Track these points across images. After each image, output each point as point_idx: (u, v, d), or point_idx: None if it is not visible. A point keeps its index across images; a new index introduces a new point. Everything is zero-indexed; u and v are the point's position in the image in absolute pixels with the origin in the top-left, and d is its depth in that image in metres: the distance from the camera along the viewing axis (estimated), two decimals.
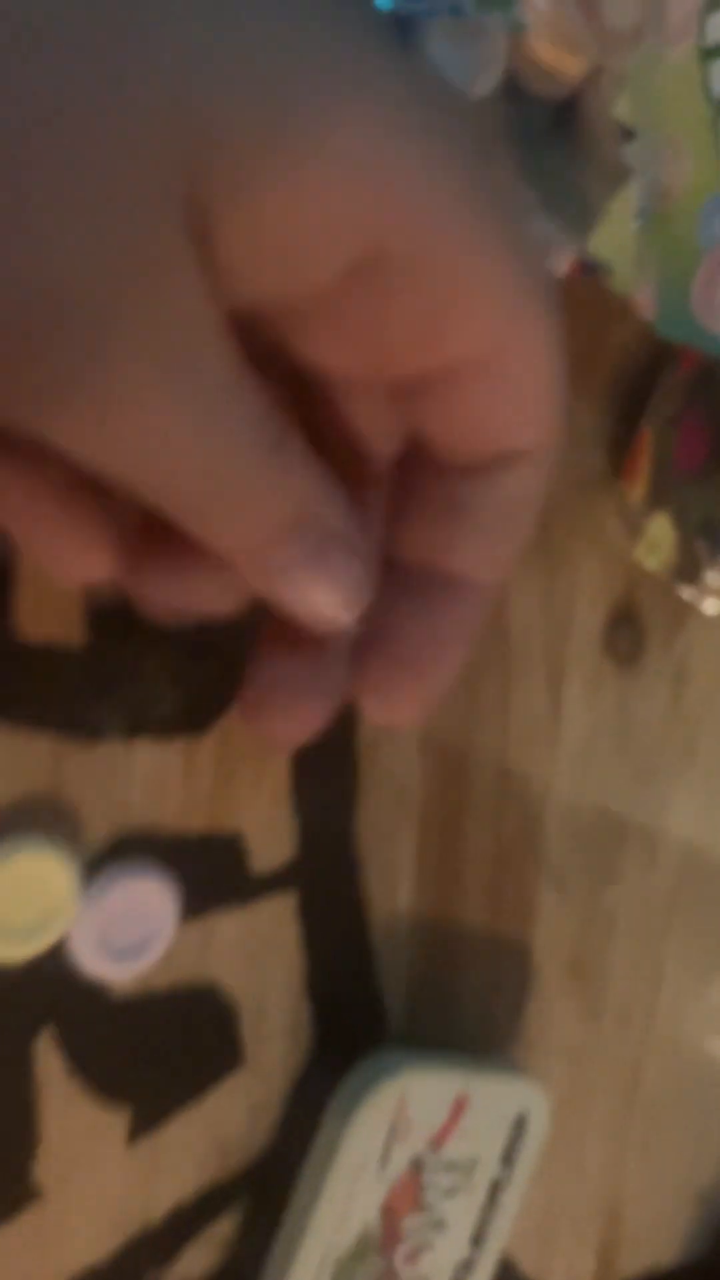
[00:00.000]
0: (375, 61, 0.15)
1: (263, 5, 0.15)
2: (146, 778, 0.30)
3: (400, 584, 0.20)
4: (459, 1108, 0.36)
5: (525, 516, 0.19)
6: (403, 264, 0.16)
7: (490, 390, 0.18)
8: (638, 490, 0.36)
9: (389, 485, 0.20)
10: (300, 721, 0.21)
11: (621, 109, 0.30)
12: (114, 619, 0.29)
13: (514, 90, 0.31)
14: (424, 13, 0.27)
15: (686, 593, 0.39)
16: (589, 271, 0.30)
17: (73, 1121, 0.31)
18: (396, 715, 0.21)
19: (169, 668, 0.30)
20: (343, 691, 0.21)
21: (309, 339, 0.17)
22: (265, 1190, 0.34)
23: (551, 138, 0.32)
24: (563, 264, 0.29)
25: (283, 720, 0.21)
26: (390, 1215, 0.35)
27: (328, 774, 0.33)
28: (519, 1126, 0.37)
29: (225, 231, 0.15)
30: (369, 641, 0.20)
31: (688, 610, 0.41)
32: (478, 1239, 0.37)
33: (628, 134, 0.30)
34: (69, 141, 0.14)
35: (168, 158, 0.15)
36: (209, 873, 0.32)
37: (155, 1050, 0.32)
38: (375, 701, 0.21)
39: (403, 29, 0.28)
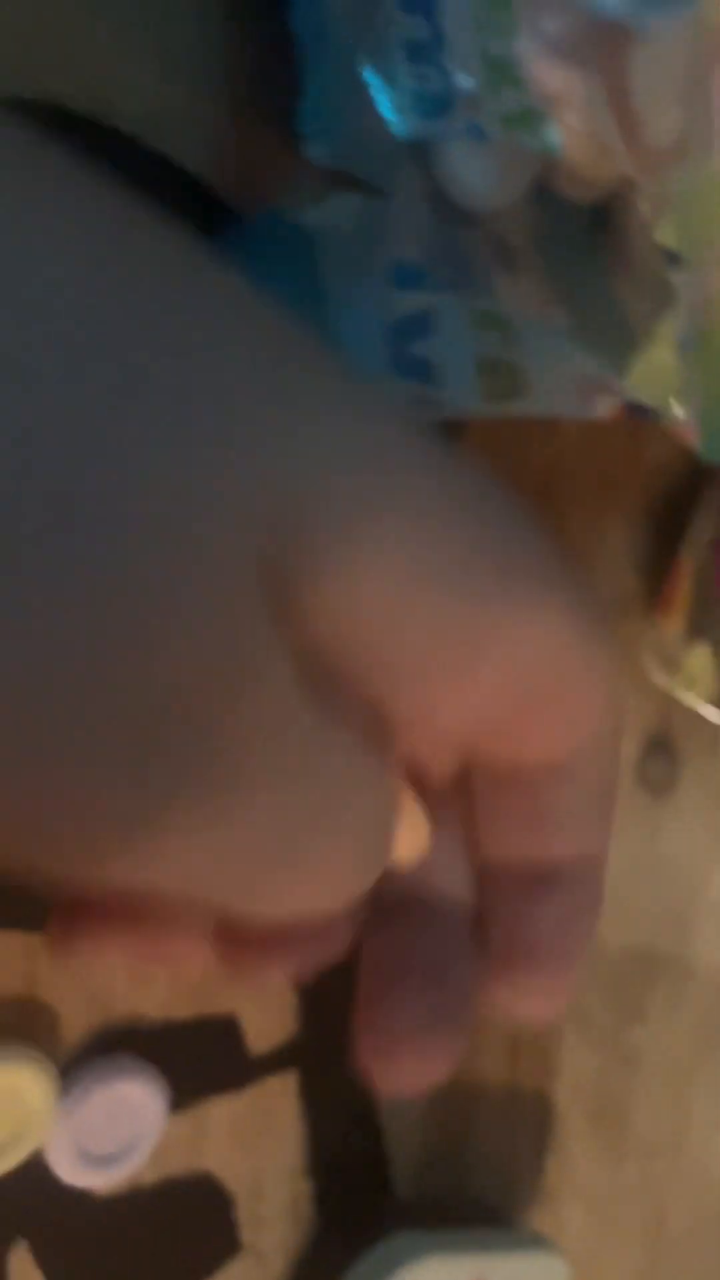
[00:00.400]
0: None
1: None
2: (129, 965, 0.27)
3: (508, 883, 0.18)
4: None
5: (607, 788, 0.18)
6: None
7: (551, 722, 0.17)
8: (675, 622, 0.33)
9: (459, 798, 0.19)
10: (439, 1059, 0.18)
11: (666, 233, 0.26)
12: None
13: (544, 193, 0.29)
14: (440, 136, 0.24)
15: None
16: (636, 415, 0.27)
17: None
18: (540, 1012, 0.18)
19: None
20: (471, 1012, 0.18)
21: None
22: None
23: (586, 248, 0.29)
24: (605, 408, 0.26)
25: (419, 1062, 0.18)
26: None
27: None
28: None
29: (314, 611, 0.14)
30: (496, 945, 0.18)
31: None
32: None
33: (673, 259, 0.27)
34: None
35: (250, 534, 0.13)
36: (201, 1060, 0.29)
37: (145, 1250, 0.29)
38: (518, 1003, 0.18)
39: (414, 156, 0.25)
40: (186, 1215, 0.30)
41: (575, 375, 0.26)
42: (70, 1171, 0.27)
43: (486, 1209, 0.36)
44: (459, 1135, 0.35)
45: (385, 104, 0.24)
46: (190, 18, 0.24)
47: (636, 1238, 0.42)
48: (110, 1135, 0.27)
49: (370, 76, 0.24)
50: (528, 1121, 0.37)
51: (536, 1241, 0.35)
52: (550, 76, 0.25)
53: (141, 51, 0.24)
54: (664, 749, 0.37)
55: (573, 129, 0.25)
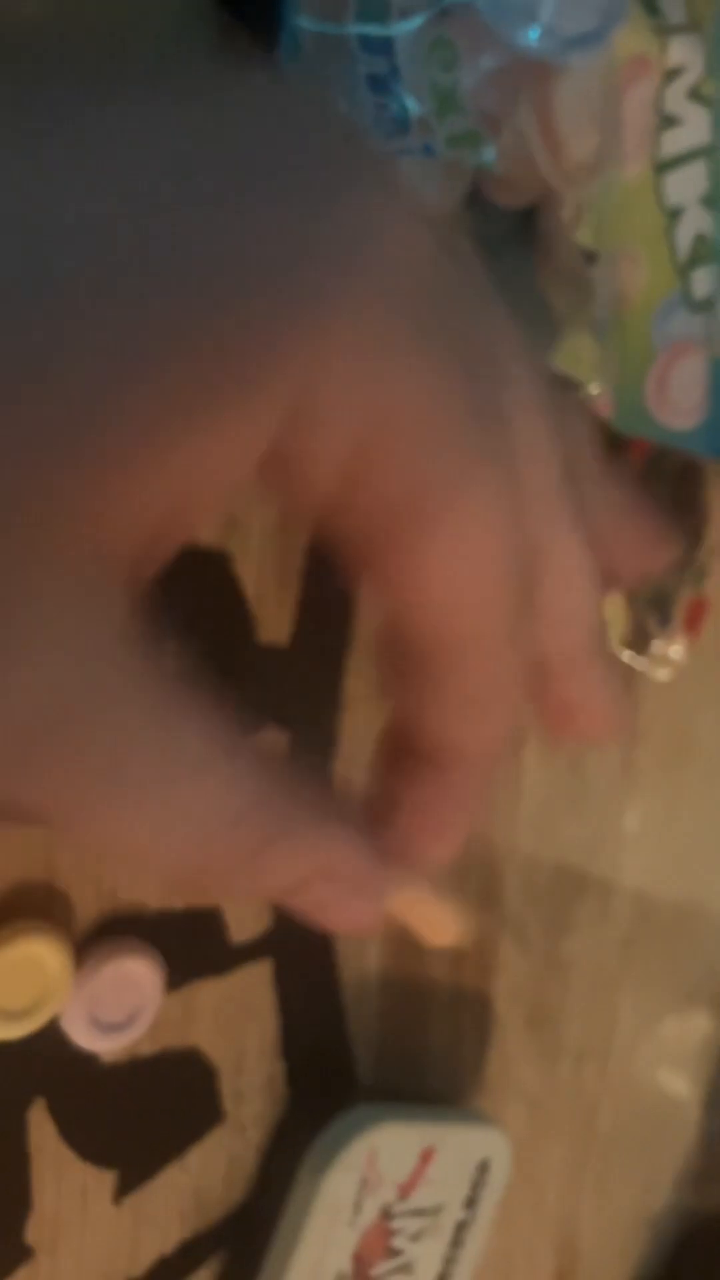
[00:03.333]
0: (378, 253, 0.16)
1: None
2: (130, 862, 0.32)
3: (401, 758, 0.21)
4: (426, 1157, 0.38)
5: (500, 694, 0.19)
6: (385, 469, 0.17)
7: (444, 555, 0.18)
8: None
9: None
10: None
11: (584, 235, 0.32)
12: None
13: (479, 200, 0.33)
14: (399, 154, 0.29)
15: (639, 663, 0.41)
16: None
17: (63, 1185, 0.32)
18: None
19: None
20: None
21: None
22: (243, 1241, 0.36)
23: (514, 245, 0.34)
24: None
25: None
26: (361, 1262, 0.37)
27: None
28: (482, 1171, 0.39)
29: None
30: (376, 810, 0.21)
31: (638, 677, 0.43)
32: (444, 1278, 0.39)
33: (590, 257, 0.32)
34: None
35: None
36: (191, 946, 0.33)
37: (142, 1113, 0.34)
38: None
39: None
40: (178, 1085, 0.34)
41: None
42: (83, 1036, 0.31)
43: (437, 1096, 0.41)
44: (412, 1030, 0.40)
45: None
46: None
47: (569, 1135, 0.47)
48: (117, 1005, 0.31)
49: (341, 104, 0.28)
50: (471, 1022, 0.42)
51: (480, 1117, 0.40)
52: (487, 103, 0.30)
53: None
54: None
55: (505, 147, 0.30)
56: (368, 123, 0.29)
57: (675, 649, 0.41)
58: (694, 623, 0.41)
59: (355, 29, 0.29)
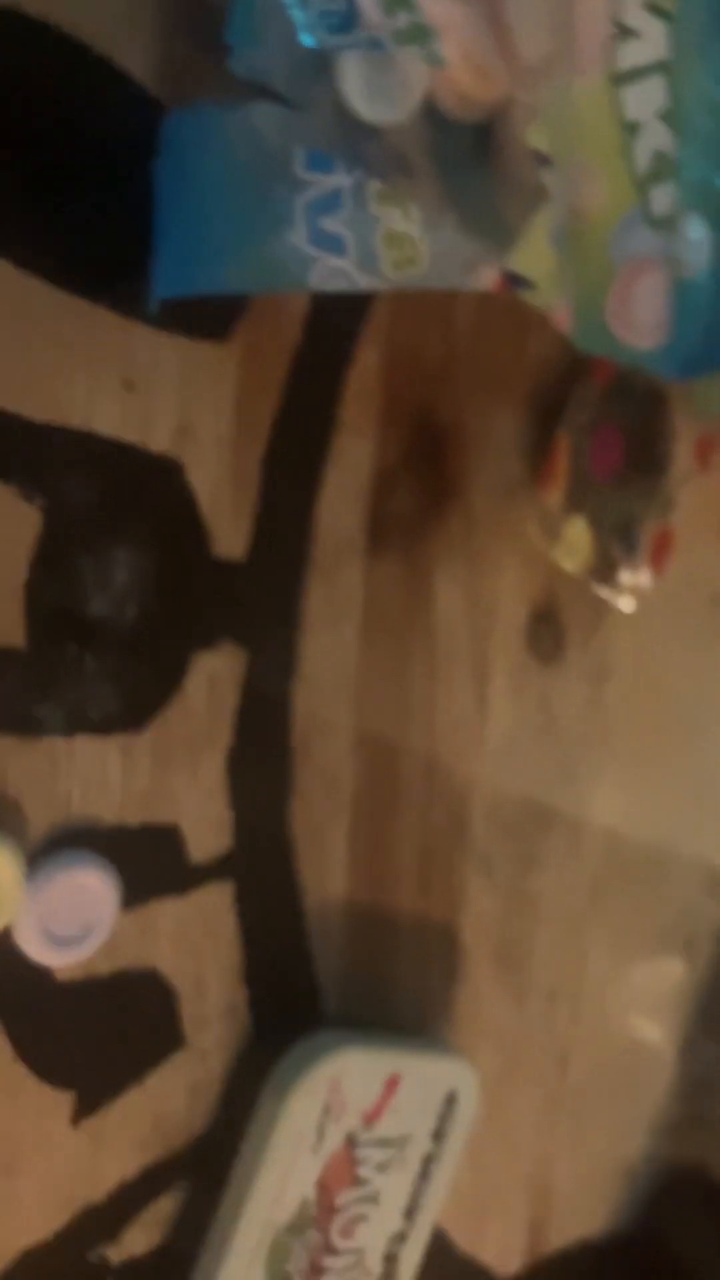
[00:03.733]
0: None
1: None
2: (86, 773, 0.32)
3: None
4: (391, 1086, 0.37)
5: None
6: None
7: None
8: (555, 495, 0.38)
9: None
10: None
11: (536, 138, 0.31)
12: (55, 620, 0.30)
13: (433, 114, 0.33)
14: (344, 47, 0.29)
15: (604, 592, 0.41)
16: (514, 284, 0.31)
17: (19, 1105, 0.32)
18: None
19: (108, 667, 0.31)
20: None
21: None
22: (205, 1168, 0.36)
23: (471, 160, 0.34)
24: (487, 279, 0.31)
25: None
26: (326, 1190, 0.37)
27: (262, 769, 0.35)
28: (450, 1103, 0.39)
29: None
30: None
31: (605, 608, 0.42)
32: (410, 1212, 0.39)
33: (543, 160, 0.32)
34: None
35: None
36: (148, 863, 0.33)
37: (99, 1033, 0.33)
38: None
39: (322, 63, 0.29)
40: (135, 1006, 0.34)
41: (461, 249, 0.30)
42: (35, 948, 0.31)
43: (404, 1029, 0.41)
44: (378, 962, 0.40)
45: (298, 18, 0.28)
46: None
47: (539, 1077, 0.46)
48: (70, 918, 0.31)
49: None
50: (438, 955, 0.42)
51: (448, 1048, 0.40)
52: (436, 4, 0.29)
53: None
54: (550, 619, 0.42)
55: (456, 44, 0.30)
56: (312, 17, 0.28)
57: (642, 578, 0.41)
58: (660, 554, 0.41)
59: None
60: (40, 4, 0.28)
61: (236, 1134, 0.36)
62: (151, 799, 0.33)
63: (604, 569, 0.40)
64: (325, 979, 0.38)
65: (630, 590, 0.41)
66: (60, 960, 0.31)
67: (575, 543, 0.39)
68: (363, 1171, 0.38)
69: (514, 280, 0.31)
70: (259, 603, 0.34)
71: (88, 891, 0.31)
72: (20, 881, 0.30)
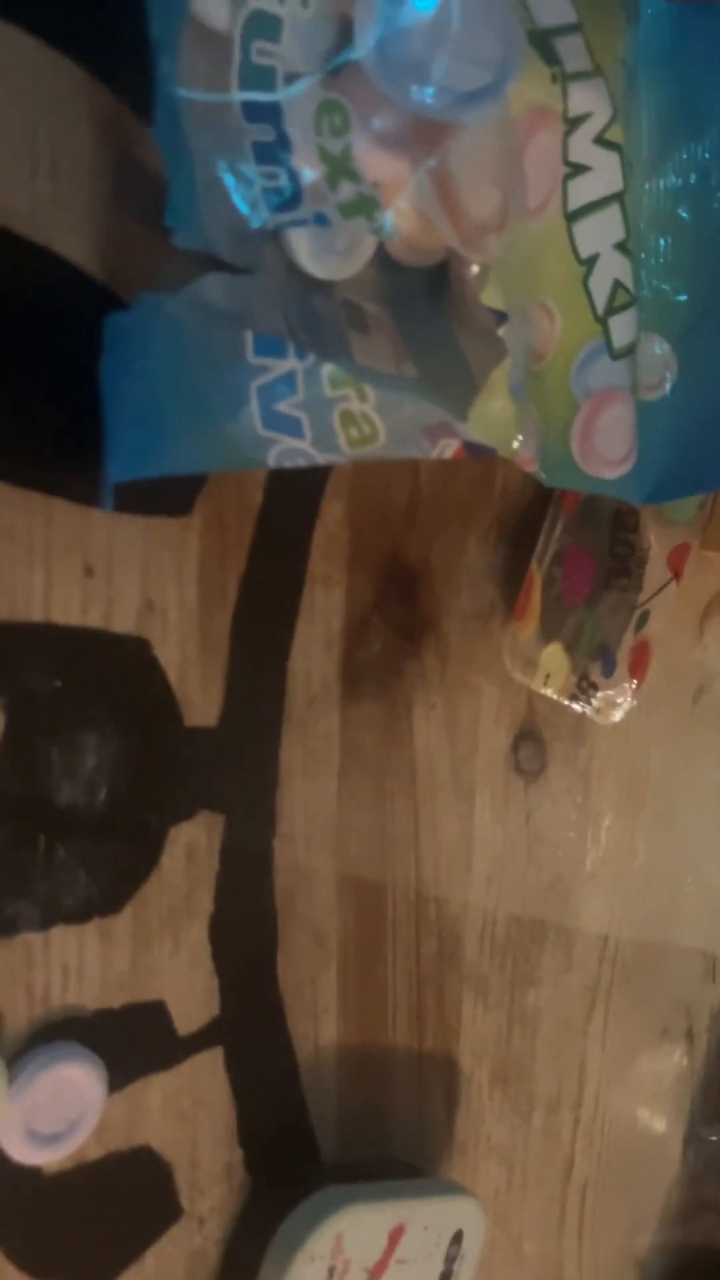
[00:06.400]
0: None
1: None
2: (64, 962, 0.31)
3: None
4: (395, 1237, 0.37)
5: None
6: None
7: None
8: (529, 626, 0.38)
9: None
10: None
11: (490, 296, 0.31)
12: (22, 815, 0.30)
13: (384, 261, 0.32)
14: (291, 225, 0.28)
15: (586, 711, 0.40)
16: (475, 452, 0.31)
17: None
18: None
19: (81, 854, 0.31)
20: None
21: None
22: None
23: (427, 305, 0.33)
24: (448, 449, 0.30)
25: None
26: None
27: (246, 931, 0.34)
28: (457, 1241, 0.38)
29: None
30: None
31: (585, 721, 0.42)
32: None
33: (500, 316, 0.31)
34: None
35: None
36: (135, 1043, 0.32)
37: (93, 1220, 0.32)
38: None
39: (272, 238, 0.28)
40: (129, 1186, 0.33)
41: (420, 422, 0.30)
42: (20, 1150, 0.30)
43: (406, 1167, 0.40)
44: (375, 1101, 0.39)
45: (240, 200, 0.27)
46: (59, 123, 0.28)
47: (547, 1187, 0.46)
48: (56, 1115, 0.30)
49: (226, 177, 0.27)
50: (437, 1084, 0.41)
51: (451, 1186, 0.39)
52: (380, 167, 0.29)
53: (17, 154, 0.27)
54: (532, 736, 0.41)
55: (404, 211, 0.29)
56: (255, 196, 0.27)
57: (621, 695, 0.40)
58: (639, 665, 0.41)
59: (239, 96, 0.28)
60: None
61: None
62: (133, 978, 0.32)
63: (583, 690, 0.39)
64: (321, 1126, 0.38)
65: (614, 706, 0.40)
66: (47, 1158, 0.30)
67: (552, 668, 0.38)
68: None
69: (474, 449, 0.30)
70: (235, 766, 0.33)
71: (72, 1084, 0.30)
72: (1, 1088, 0.29)
